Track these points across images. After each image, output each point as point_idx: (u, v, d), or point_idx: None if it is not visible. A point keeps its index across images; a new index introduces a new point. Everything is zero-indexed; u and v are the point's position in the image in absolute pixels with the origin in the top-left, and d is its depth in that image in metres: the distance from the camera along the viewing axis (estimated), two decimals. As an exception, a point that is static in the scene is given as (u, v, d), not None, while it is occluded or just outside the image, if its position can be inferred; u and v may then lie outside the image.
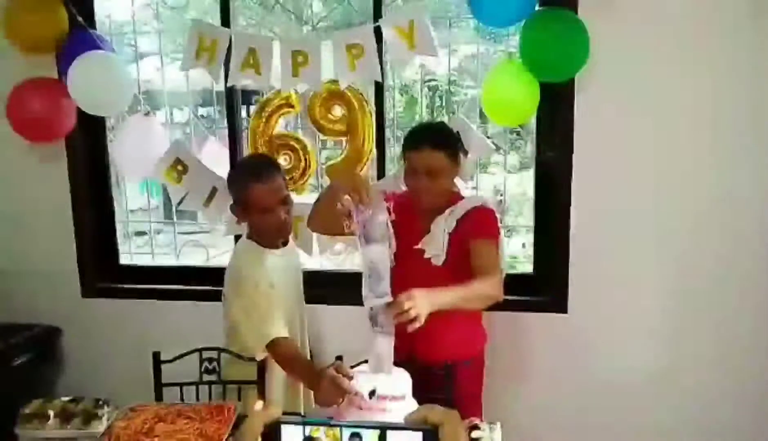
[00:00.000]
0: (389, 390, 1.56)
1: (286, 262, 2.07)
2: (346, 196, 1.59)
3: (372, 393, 1.55)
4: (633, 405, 2.39)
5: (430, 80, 3.57)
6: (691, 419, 2.36)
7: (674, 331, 2.35)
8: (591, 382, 2.39)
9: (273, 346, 1.83)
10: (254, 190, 1.90)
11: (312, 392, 1.73)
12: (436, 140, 1.89)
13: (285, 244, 2.07)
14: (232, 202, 2.02)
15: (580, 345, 2.39)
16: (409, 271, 1.85)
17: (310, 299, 2.19)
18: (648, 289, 2.35)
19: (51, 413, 1.70)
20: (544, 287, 2.41)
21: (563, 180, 2.33)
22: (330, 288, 2.53)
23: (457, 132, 2.12)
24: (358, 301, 2.41)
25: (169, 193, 2.51)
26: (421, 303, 1.54)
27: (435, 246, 1.92)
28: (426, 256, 1.93)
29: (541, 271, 2.46)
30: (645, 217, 2.31)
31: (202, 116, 3.25)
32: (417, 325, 1.53)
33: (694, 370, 2.35)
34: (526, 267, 2.64)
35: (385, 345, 1.57)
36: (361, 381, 1.58)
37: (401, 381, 1.61)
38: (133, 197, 2.76)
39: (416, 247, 1.94)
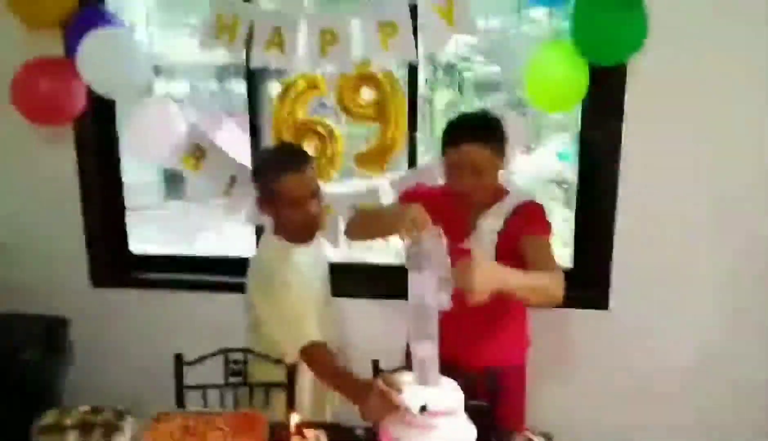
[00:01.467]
0: (440, 405, 1.43)
1: (314, 259, 1.94)
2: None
3: (423, 408, 1.41)
4: (676, 405, 2.29)
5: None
6: (736, 418, 2.27)
7: (720, 330, 2.24)
8: (633, 382, 2.28)
9: (309, 350, 1.70)
10: (284, 182, 1.76)
11: (352, 403, 1.60)
12: (481, 134, 1.72)
13: (311, 238, 1.93)
14: (257, 195, 1.87)
15: (622, 343, 2.27)
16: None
17: (334, 293, 2.06)
18: (694, 287, 2.23)
19: (69, 425, 1.57)
20: (584, 282, 2.26)
21: (609, 169, 2.18)
22: (354, 280, 2.40)
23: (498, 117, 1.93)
24: (385, 293, 2.36)
25: (186, 180, 2.35)
26: (485, 271, 1.40)
27: (483, 245, 1.77)
28: None
29: (581, 266, 2.32)
30: (694, 212, 2.17)
31: (215, 92, 3.05)
32: (478, 298, 1.38)
33: (740, 368, 2.24)
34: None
35: (429, 350, 1.44)
36: (409, 393, 1.45)
37: (452, 394, 1.48)
38: (129, 170, 2.57)
39: (461, 245, 1.78)
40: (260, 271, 1.83)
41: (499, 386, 1.77)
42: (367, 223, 1.77)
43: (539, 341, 1.98)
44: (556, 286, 1.60)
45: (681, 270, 2.22)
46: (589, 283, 2.26)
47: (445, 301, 1.44)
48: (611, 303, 2.26)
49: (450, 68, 3.46)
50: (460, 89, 3.05)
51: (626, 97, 2.12)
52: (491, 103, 2.81)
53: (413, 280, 1.44)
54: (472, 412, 1.51)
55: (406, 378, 1.53)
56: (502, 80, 3.29)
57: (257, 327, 1.84)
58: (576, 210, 2.33)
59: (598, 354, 2.29)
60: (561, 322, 2.27)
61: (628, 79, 2.10)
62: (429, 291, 1.42)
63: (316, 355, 1.70)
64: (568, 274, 1.71)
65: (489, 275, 1.41)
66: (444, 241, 1.48)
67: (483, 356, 1.81)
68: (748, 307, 2.22)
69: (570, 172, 3.65)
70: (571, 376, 2.33)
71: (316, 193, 1.82)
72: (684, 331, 2.25)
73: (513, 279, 1.50)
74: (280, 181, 1.76)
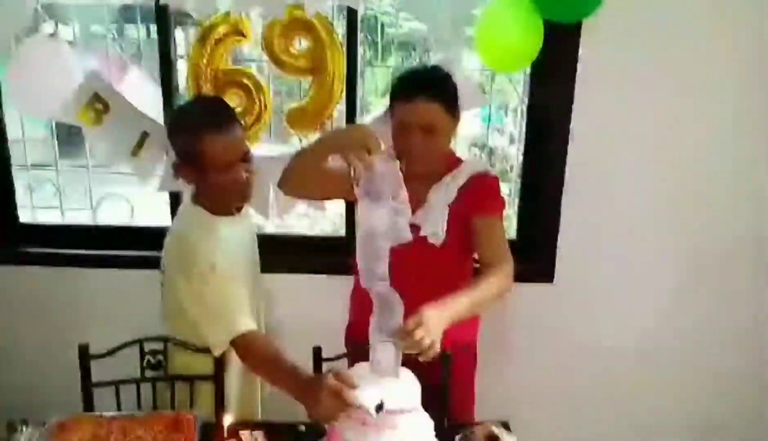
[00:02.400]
0: (398, 402, 1.28)
1: (242, 232, 1.70)
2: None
3: (379, 407, 1.25)
4: (621, 379, 2.28)
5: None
6: (678, 392, 2.31)
7: (665, 305, 2.24)
8: (577, 355, 2.25)
9: (242, 342, 1.48)
10: (210, 144, 1.50)
11: (295, 399, 1.41)
12: (435, 89, 1.55)
13: (239, 209, 1.69)
14: (174, 158, 1.60)
15: (567, 316, 2.22)
16: (399, 253, 1.50)
17: (264, 268, 1.84)
18: (641, 260, 2.20)
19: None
20: (529, 254, 2.17)
21: (559, 134, 2.07)
22: (287, 254, 2.18)
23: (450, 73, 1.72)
24: (322, 269, 2.17)
25: (85, 137, 2.01)
26: (435, 326, 1.29)
27: (433, 221, 1.62)
28: (422, 233, 1.61)
29: (526, 236, 2.22)
30: (645, 184, 2.12)
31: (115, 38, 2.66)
32: (432, 354, 1.29)
33: (683, 339, 2.26)
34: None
35: (390, 353, 1.31)
36: (363, 388, 1.29)
37: (411, 390, 1.33)
38: (10, 125, 2.18)
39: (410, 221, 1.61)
40: (181, 249, 1.57)
41: (451, 369, 1.65)
42: (306, 162, 1.54)
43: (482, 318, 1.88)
44: (506, 281, 1.54)
45: (629, 243, 2.18)
46: (533, 256, 2.18)
47: (403, 230, 1.29)
48: (556, 276, 2.19)
49: (370, 24, 3.20)
50: (383, 48, 2.82)
51: (579, 57, 2.00)
52: (415, 63, 2.63)
53: (364, 209, 1.28)
54: (424, 398, 1.37)
55: (358, 371, 1.36)
56: (428, 38, 3.09)
57: (178, 312, 1.59)
58: (521, 178, 2.22)
59: (542, 327, 2.23)
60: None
61: (582, 39, 1.98)
62: (383, 223, 1.27)
63: (251, 346, 1.49)
64: (512, 245, 1.61)
65: (436, 326, 1.29)
66: (397, 164, 1.31)
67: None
68: (693, 280, 2.22)
69: (491, 136, 3.59)
70: (517, 350, 2.26)
71: (245, 157, 1.58)
72: (629, 304, 2.23)
73: (461, 309, 1.39)
74: (204, 141, 1.50)
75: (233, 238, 1.63)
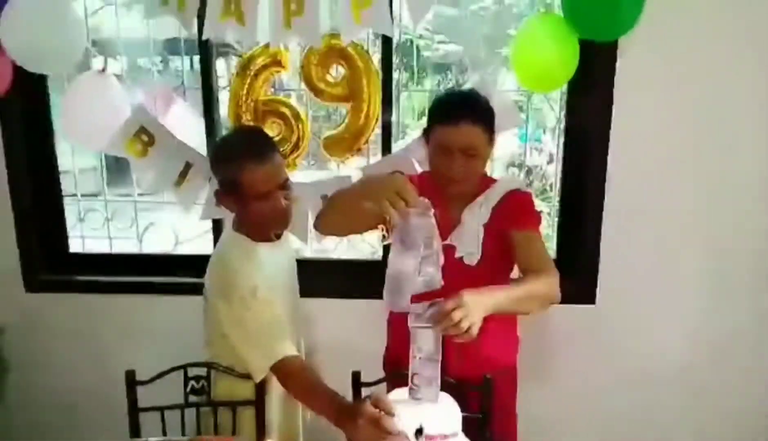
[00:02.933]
0: (438, 427, 1.27)
1: (282, 257, 1.72)
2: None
3: (419, 432, 1.24)
4: (664, 403, 2.21)
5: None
6: (724, 411, 2.21)
7: (708, 326, 2.17)
8: (619, 378, 2.18)
9: (282, 368, 1.50)
10: (251, 173, 1.53)
11: (334, 425, 1.41)
12: (476, 113, 1.55)
13: (278, 236, 1.72)
14: (216, 187, 1.64)
15: (609, 339, 2.16)
16: None
17: (302, 293, 1.85)
18: (683, 281, 2.14)
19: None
20: (570, 275, 2.13)
21: (598, 152, 2.04)
22: (325, 278, 2.19)
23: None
24: (360, 293, 2.17)
25: (132, 169, 2.08)
26: (474, 309, 1.25)
27: (468, 242, 1.61)
28: (458, 254, 1.61)
29: (566, 257, 2.19)
30: (685, 203, 2.07)
31: (162, 70, 2.76)
32: (469, 339, 1.25)
33: (727, 364, 2.18)
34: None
35: (430, 369, 1.29)
36: (402, 413, 1.28)
37: (451, 414, 1.32)
38: (63, 153, 2.28)
39: (445, 242, 1.59)
40: (222, 274, 1.60)
41: (493, 393, 1.63)
42: (341, 208, 1.55)
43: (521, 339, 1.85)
44: (550, 288, 1.49)
45: (670, 264, 2.12)
46: (574, 277, 2.13)
47: (434, 280, 1.27)
48: (597, 297, 2.15)
49: (405, 48, 3.24)
50: (419, 71, 2.85)
51: (616, 77, 1.98)
52: (451, 85, 2.65)
53: (396, 254, 1.27)
54: (464, 425, 1.35)
55: (397, 396, 1.35)
56: (465, 60, 3.10)
57: (220, 338, 1.61)
58: (561, 197, 2.20)
59: (584, 350, 2.18)
60: (543, 318, 2.12)
61: (618, 55, 1.96)
62: (412, 270, 1.26)
63: (291, 372, 1.50)
64: None
65: (476, 310, 1.26)
66: (432, 216, 1.29)
67: (474, 361, 1.65)
68: (737, 302, 2.14)
69: (530, 155, 3.55)
70: (557, 373, 2.21)
71: (284, 185, 1.61)
72: (672, 326, 2.16)
73: (501, 300, 1.36)
74: (245, 171, 1.53)
75: (273, 263, 1.66)
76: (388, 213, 1.27)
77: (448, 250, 1.59)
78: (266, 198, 1.56)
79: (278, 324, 1.56)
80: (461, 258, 1.61)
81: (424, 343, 1.28)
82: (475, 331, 1.25)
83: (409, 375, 1.31)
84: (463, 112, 1.54)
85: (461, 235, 1.62)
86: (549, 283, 1.48)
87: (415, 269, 1.27)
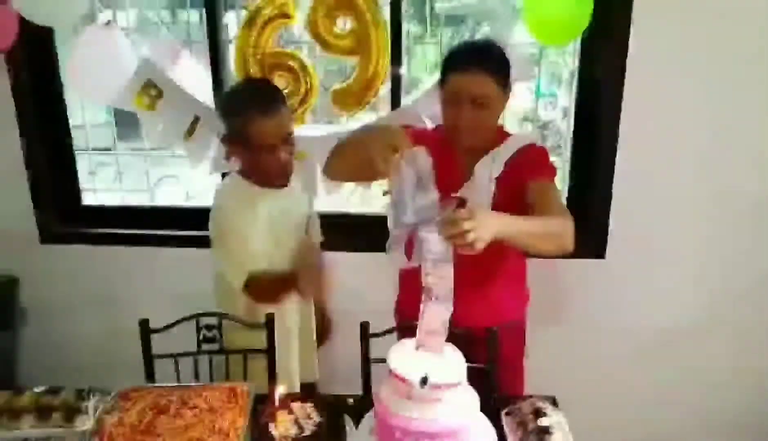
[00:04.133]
0: (444, 376, 1.29)
1: (284, 204, 1.73)
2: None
3: (424, 381, 1.27)
4: (672, 359, 2.23)
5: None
6: (731, 366, 2.23)
7: (718, 285, 2.17)
8: (627, 334, 2.20)
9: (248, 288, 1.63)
10: (257, 125, 1.56)
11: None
12: (487, 62, 1.52)
13: (283, 185, 1.73)
14: (224, 136, 1.66)
15: (617, 293, 2.17)
16: None
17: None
18: (693, 238, 2.13)
19: (23, 407, 1.39)
20: (580, 229, 2.12)
21: (610, 107, 2.01)
22: (337, 232, 2.20)
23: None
24: (371, 246, 2.17)
25: (141, 122, 2.08)
26: (483, 224, 1.21)
27: (479, 194, 1.59)
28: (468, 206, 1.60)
29: (577, 211, 2.16)
30: (698, 158, 2.04)
31: (171, 23, 2.72)
32: (470, 251, 1.21)
33: (736, 317, 2.18)
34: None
35: (439, 314, 1.29)
36: (408, 361, 1.31)
37: (456, 364, 1.34)
38: (74, 111, 2.28)
39: (455, 195, 1.59)
40: (219, 216, 1.66)
41: (499, 346, 1.65)
42: (344, 155, 1.55)
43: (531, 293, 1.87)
44: (566, 233, 1.44)
45: (681, 221, 2.11)
46: (585, 231, 2.11)
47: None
48: (607, 252, 2.15)
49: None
50: (432, 23, 2.79)
51: (631, 31, 1.93)
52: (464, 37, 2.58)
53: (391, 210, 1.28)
54: (471, 376, 1.38)
55: (405, 346, 1.38)
56: (478, 11, 3.03)
57: (219, 279, 1.70)
58: (572, 151, 2.17)
59: (592, 303, 2.19)
60: (553, 272, 2.14)
61: (633, 7, 1.91)
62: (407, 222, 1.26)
63: (255, 287, 1.64)
64: None
65: (486, 225, 1.22)
66: (427, 164, 1.28)
67: (481, 315, 1.66)
68: (746, 260, 2.14)
69: (544, 110, 3.48)
70: (565, 325, 2.23)
71: (288, 138, 1.63)
72: (684, 281, 2.17)
73: (515, 226, 1.33)
74: (252, 123, 1.56)
75: (271, 207, 1.68)
76: (380, 167, 1.27)
77: (459, 202, 1.59)
78: (271, 150, 1.59)
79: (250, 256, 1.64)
80: None
81: (434, 245, 1.24)
82: (479, 246, 1.21)
83: (422, 276, 1.28)
84: (473, 60, 1.52)
85: (472, 188, 1.61)
86: (565, 227, 1.44)
87: (410, 215, 1.26)
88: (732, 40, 1.92)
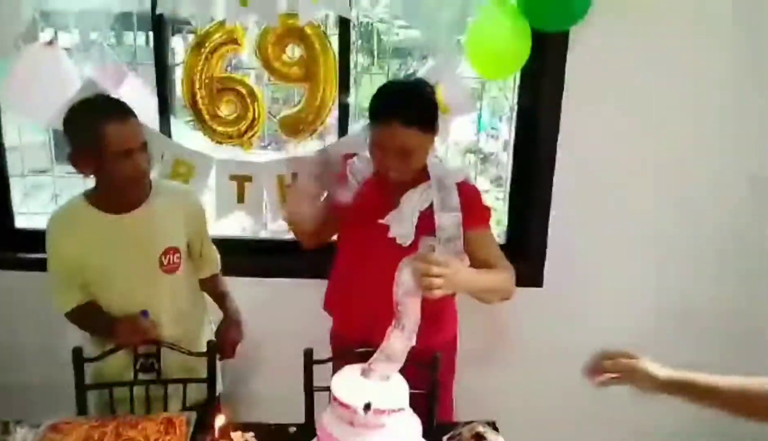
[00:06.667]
0: (386, 402, 1.30)
1: (132, 228, 1.64)
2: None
3: (367, 406, 1.28)
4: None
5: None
6: (669, 402, 2.28)
7: (654, 308, 2.26)
8: (565, 359, 2.26)
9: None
10: (115, 129, 1.51)
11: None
12: (410, 114, 1.50)
13: (138, 200, 1.65)
14: (71, 150, 1.57)
15: (554, 321, 2.24)
16: (369, 247, 1.62)
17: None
18: (630, 265, 2.23)
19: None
20: (518, 258, 2.19)
21: (548, 139, 2.10)
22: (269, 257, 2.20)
23: (433, 87, 1.66)
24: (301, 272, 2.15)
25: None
26: (454, 280, 1.36)
27: (403, 225, 1.62)
28: (391, 235, 1.62)
29: (516, 240, 2.25)
30: (631, 187, 2.15)
31: (116, 44, 2.67)
32: (429, 295, 1.33)
33: (672, 349, 2.26)
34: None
35: (402, 343, 1.36)
36: (351, 388, 1.32)
37: (399, 390, 1.36)
38: (11, 131, 2.20)
39: (380, 221, 1.63)
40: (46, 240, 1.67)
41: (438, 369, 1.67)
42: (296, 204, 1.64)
43: (468, 321, 1.89)
44: (512, 286, 1.61)
45: (618, 248, 2.20)
46: (523, 260, 2.19)
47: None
48: (545, 280, 2.22)
49: (366, 32, 3.22)
50: (379, 55, 2.85)
51: (567, 67, 2.03)
52: (411, 70, 2.65)
53: None
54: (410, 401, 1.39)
55: (347, 373, 1.39)
56: (424, 45, 3.11)
57: None
58: (511, 182, 2.25)
59: (530, 330, 2.25)
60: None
61: (570, 45, 2.01)
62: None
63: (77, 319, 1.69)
64: (502, 249, 1.64)
65: (453, 278, 1.35)
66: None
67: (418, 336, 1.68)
68: (682, 286, 2.24)
69: (487, 142, 3.60)
70: (502, 357, 2.28)
71: (144, 147, 1.60)
72: (618, 309, 2.24)
73: (477, 282, 1.49)
74: (110, 128, 1.50)
75: (111, 232, 1.62)
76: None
77: (383, 228, 1.63)
78: (129, 155, 1.54)
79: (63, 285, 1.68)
80: (395, 239, 1.62)
81: (406, 276, 1.34)
82: (438, 294, 1.33)
83: (394, 305, 1.36)
84: (395, 113, 1.50)
85: (396, 217, 1.63)
86: (511, 281, 1.60)
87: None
88: (665, 72, 2.04)
